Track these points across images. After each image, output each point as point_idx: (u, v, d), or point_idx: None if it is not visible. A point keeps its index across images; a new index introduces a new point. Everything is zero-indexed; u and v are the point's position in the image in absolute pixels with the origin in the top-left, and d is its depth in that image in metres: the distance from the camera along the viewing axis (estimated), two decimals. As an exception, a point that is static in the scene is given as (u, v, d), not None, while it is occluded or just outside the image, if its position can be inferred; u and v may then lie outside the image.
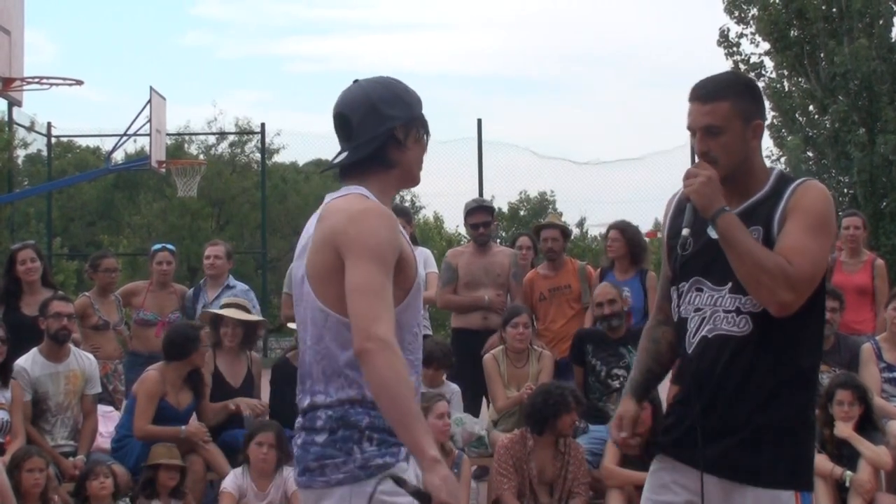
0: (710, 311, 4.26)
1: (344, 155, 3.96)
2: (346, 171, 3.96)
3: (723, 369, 4.23)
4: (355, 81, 4.06)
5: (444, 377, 9.95)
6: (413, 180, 4.06)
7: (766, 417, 4.21)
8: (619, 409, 4.80)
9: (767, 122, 29.17)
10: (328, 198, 3.96)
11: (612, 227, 11.27)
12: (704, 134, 4.22)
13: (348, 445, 3.78)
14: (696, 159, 4.33)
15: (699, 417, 4.29)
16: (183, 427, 9.20)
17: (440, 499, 3.56)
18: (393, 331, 3.64)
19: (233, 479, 8.68)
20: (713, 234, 4.14)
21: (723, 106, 4.19)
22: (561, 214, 10.23)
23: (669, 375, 4.95)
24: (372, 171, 3.93)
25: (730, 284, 4.20)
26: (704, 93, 4.23)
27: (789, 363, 4.22)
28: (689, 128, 4.28)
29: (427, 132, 4.04)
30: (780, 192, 4.21)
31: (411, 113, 3.97)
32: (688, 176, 4.20)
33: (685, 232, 4.25)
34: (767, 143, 29.31)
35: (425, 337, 10.73)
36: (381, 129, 3.91)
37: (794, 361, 4.23)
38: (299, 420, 3.99)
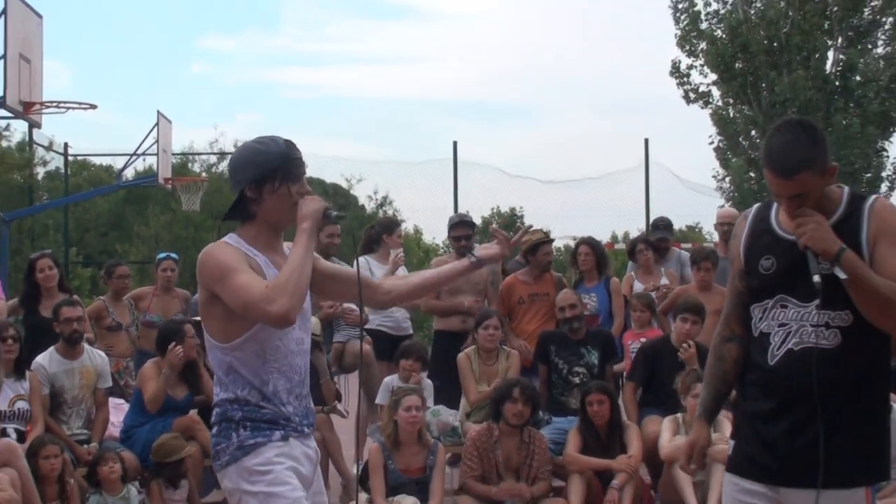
0: (797, 326, 4.10)
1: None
2: (233, 219, 4.35)
3: (813, 379, 4.03)
4: (241, 144, 4.45)
5: (421, 373, 10.00)
6: (282, 222, 4.31)
7: (856, 421, 4.07)
8: (692, 434, 4.57)
9: (714, 145, 29.51)
10: None
11: (581, 242, 11.51)
12: (793, 199, 4.09)
13: (228, 433, 4.18)
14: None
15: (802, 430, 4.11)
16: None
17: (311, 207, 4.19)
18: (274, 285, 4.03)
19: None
20: (840, 273, 3.95)
21: (803, 177, 4.01)
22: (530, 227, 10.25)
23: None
24: (244, 221, 4.31)
25: (817, 301, 4.05)
26: (784, 170, 4.04)
27: (876, 368, 4.11)
28: (775, 192, 4.15)
29: (287, 179, 4.22)
30: (857, 212, 4.09)
31: (260, 171, 4.20)
32: (798, 224, 4.07)
33: (816, 279, 4.00)
34: (714, 164, 29.50)
35: (407, 337, 10.93)
36: (236, 190, 4.27)
37: (880, 366, 4.13)
38: None
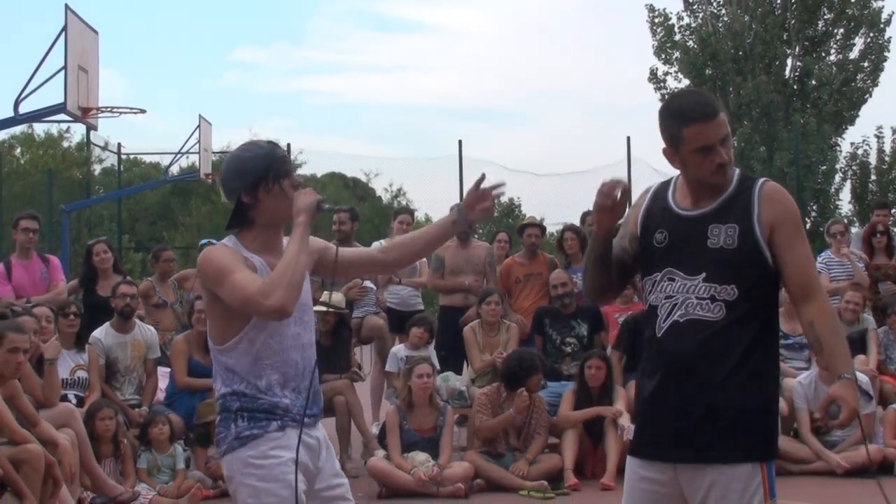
0: (682, 298, 3.70)
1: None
2: (232, 228, 4.01)
3: (696, 351, 3.66)
4: (226, 156, 4.15)
5: (428, 342, 10.04)
6: (282, 219, 3.99)
7: (742, 395, 3.65)
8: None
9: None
10: None
11: (567, 229, 11.42)
12: (723, 144, 3.68)
13: (227, 423, 3.88)
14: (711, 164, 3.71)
15: (677, 397, 3.71)
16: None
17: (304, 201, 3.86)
18: (269, 280, 3.73)
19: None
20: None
21: (723, 117, 3.70)
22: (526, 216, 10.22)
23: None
24: (243, 228, 3.96)
25: (704, 274, 3.68)
26: (711, 110, 3.67)
27: (760, 344, 3.69)
28: (706, 143, 3.67)
29: (278, 176, 3.91)
30: (748, 192, 3.73)
31: (250, 178, 3.89)
32: (841, 424, 3.69)
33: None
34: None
35: (418, 311, 10.92)
36: (232, 199, 3.94)
37: (764, 342, 3.71)
38: None
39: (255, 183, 3.89)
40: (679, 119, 3.71)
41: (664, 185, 3.96)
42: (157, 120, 63.47)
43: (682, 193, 3.86)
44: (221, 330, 3.89)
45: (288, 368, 3.90)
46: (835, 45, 28.36)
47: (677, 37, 28.71)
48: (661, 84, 29.01)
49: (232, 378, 3.88)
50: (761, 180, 3.79)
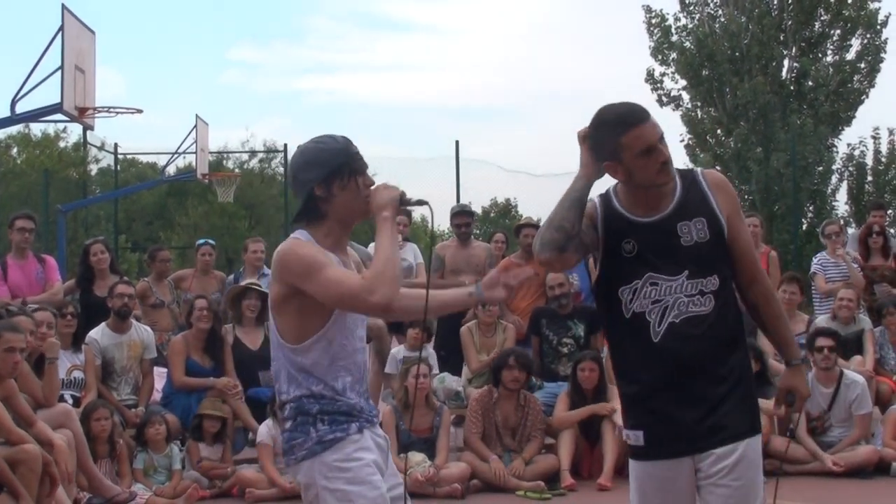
0: (673, 300, 3.78)
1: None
2: (300, 222, 3.89)
3: (700, 345, 3.77)
4: (297, 147, 3.96)
5: (426, 343, 10.04)
6: (354, 216, 3.89)
7: (742, 375, 3.85)
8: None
9: (684, 143, 29.42)
10: None
11: None
12: (661, 143, 3.75)
13: (306, 427, 3.76)
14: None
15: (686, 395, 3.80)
16: (211, 378, 9.37)
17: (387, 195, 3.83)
18: (369, 276, 3.64)
19: (266, 431, 8.65)
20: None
21: (654, 117, 3.77)
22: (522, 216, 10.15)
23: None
24: (313, 221, 3.84)
25: (686, 272, 3.78)
26: (644, 112, 3.74)
27: (738, 324, 3.87)
28: (648, 144, 3.73)
29: (354, 173, 3.82)
30: (695, 183, 3.87)
31: (327, 170, 3.79)
32: (798, 410, 4.04)
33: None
34: (684, 160, 29.33)
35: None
36: (303, 192, 3.82)
37: (740, 321, 3.88)
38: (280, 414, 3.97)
39: (330, 176, 3.79)
40: (618, 127, 3.77)
41: (606, 198, 3.99)
42: (154, 120, 63.49)
43: (630, 203, 3.92)
44: (297, 328, 3.78)
45: (357, 370, 3.86)
46: (831, 47, 28.32)
47: (674, 38, 28.67)
48: (658, 85, 29.00)
49: (308, 379, 3.77)
50: (699, 170, 3.95)
